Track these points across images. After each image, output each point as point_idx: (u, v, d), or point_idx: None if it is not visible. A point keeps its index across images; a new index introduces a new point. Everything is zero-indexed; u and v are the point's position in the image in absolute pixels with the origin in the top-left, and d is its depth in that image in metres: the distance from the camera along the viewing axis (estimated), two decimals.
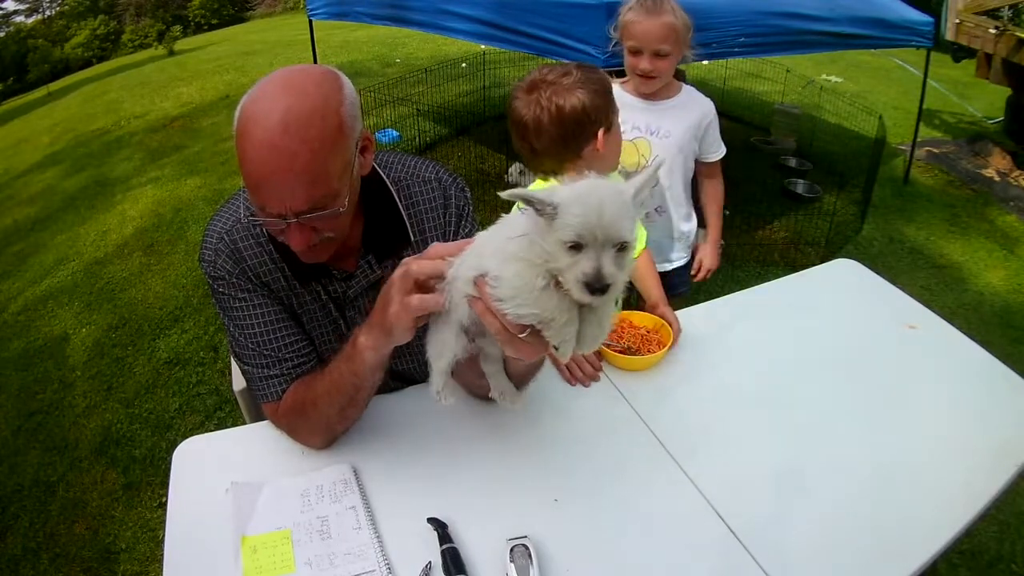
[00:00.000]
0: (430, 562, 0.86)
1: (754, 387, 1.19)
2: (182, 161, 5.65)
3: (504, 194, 0.67)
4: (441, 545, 0.87)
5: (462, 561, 0.85)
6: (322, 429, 1.01)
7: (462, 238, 1.05)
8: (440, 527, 0.89)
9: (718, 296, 1.50)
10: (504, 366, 0.96)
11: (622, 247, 0.66)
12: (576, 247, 0.65)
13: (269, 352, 1.01)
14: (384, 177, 1.05)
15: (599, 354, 1.21)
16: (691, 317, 1.38)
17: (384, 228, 1.03)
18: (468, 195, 1.11)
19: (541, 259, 0.68)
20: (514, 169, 3.93)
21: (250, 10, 25.26)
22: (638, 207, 0.68)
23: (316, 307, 1.06)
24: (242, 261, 1.00)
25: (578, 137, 1.28)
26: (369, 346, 0.88)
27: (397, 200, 1.05)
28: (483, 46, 5.66)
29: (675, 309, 1.37)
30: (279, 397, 1.01)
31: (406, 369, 1.18)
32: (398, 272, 0.82)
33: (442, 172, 1.10)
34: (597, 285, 0.64)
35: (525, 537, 0.87)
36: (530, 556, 0.84)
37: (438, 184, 1.08)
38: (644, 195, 0.69)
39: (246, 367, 1.03)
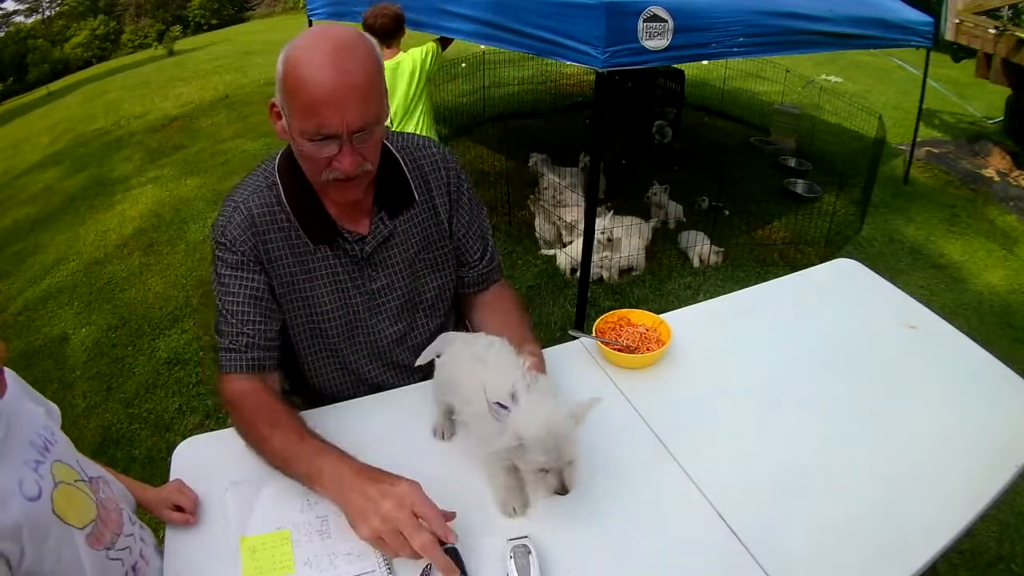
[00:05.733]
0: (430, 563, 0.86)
1: (754, 387, 1.19)
2: (182, 161, 5.65)
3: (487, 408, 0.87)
4: (441, 545, 0.87)
5: (462, 561, 0.85)
6: (247, 443, 1.03)
7: (463, 199, 1.20)
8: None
9: (718, 296, 1.50)
10: None
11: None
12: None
13: (234, 322, 1.05)
14: (389, 146, 1.15)
15: None
16: (691, 317, 1.38)
17: (393, 189, 1.13)
18: (458, 161, 1.23)
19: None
20: (535, 159, 4.27)
21: (250, 10, 25.27)
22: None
23: (325, 272, 1.12)
24: (255, 227, 1.06)
25: (400, 28, 2.90)
26: (321, 488, 0.91)
27: (402, 164, 1.15)
28: (482, 46, 5.66)
29: None
30: (227, 371, 1.06)
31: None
32: (398, 522, 0.82)
33: (432, 142, 1.23)
34: (563, 494, 0.87)
35: (526, 537, 0.87)
36: (530, 556, 0.84)
37: (437, 150, 1.21)
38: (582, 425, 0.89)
39: (218, 339, 1.08)
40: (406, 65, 3.03)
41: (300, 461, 0.93)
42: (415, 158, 1.17)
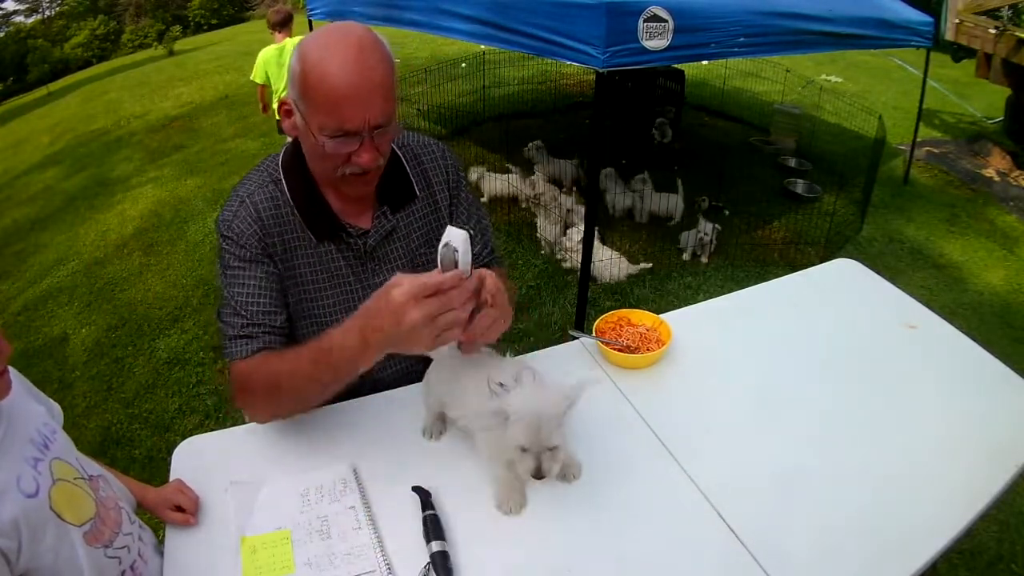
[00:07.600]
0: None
1: (754, 387, 1.19)
2: (182, 161, 5.65)
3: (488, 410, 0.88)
4: (424, 511, 0.91)
5: (441, 527, 0.88)
6: (264, 409, 1.06)
7: (462, 194, 1.22)
8: (424, 495, 0.94)
9: (718, 296, 1.50)
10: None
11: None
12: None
13: (245, 313, 1.04)
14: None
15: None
16: (691, 317, 1.38)
17: (395, 184, 1.14)
18: (455, 157, 1.25)
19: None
20: (532, 145, 4.47)
21: (250, 10, 25.26)
22: (568, 416, 0.89)
23: (329, 267, 1.12)
24: (261, 221, 1.06)
25: (291, 19, 4.11)
26: (359, 354, 0.91)
27: (404, 161, 1.16)
28: (482, 46, 5.66)
29: None
30: (237, 357, 1.04)
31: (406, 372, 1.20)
32: (411, 291, 0.84)
33: (430, 139, 1.24)
34: (538, 477, 0.87)
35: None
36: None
37: (436, 146, 1.23)
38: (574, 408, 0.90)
39: (222, 325, 1.07)
40: (292, 46, 3.60)
41: (324, 354, 0.93)
42: (415, 154, 1.18)
